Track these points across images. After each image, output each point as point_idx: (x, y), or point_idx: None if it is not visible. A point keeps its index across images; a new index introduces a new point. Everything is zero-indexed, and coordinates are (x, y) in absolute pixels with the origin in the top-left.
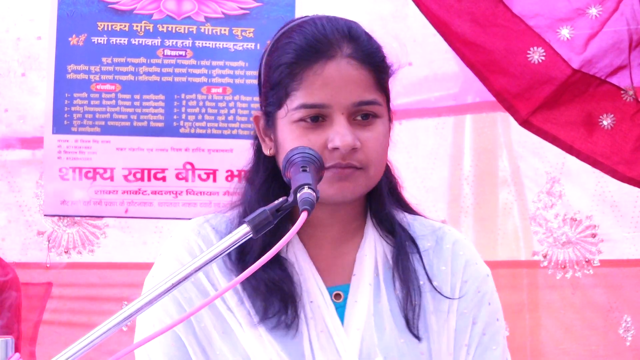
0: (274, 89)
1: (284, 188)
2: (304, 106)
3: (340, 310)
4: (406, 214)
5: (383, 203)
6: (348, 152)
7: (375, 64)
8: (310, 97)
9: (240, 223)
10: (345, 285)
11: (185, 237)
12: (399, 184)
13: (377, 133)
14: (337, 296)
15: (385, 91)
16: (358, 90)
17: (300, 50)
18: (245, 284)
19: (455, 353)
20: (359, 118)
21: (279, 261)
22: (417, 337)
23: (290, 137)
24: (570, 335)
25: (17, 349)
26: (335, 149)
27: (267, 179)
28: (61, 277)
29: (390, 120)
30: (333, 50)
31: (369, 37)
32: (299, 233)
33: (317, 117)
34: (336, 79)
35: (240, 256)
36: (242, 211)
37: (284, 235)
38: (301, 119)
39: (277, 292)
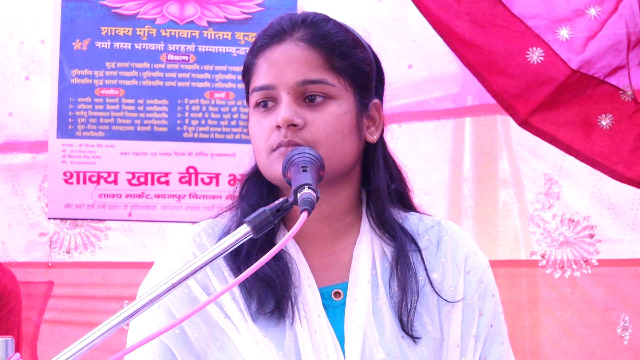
0: (245, 86)
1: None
2: (254, 89)
3: (341, 308)
4: (400, 210)
5: (383, 206)
6: (290, 129)
7: (327, 45)
8: (259, 80)
9: (239, 224)
10: (344, 283)
11: (180, 247)
12: (407, 186)
13: (326, 114)
14: (337, 294)
15: (344, 74)
16: (303, 70)
17: (256, 42)
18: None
19: (462, 344)
20: (307, 100)
21: (275, 255)
22: (413, 338)
23: (250, 125)
24: (568, 335)
25: (17, 350)
26: (278, 127)
27: (253, 183)
28: (63, 276)
29: (361, 105)
30: (284, 35)
31: (330, 24)
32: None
33: (267, 102)
34: (281, 60)
35: (233, 255)
36: (239, 213)
37: (274, 233)
38: (256, 105)
39: (273, 288)
